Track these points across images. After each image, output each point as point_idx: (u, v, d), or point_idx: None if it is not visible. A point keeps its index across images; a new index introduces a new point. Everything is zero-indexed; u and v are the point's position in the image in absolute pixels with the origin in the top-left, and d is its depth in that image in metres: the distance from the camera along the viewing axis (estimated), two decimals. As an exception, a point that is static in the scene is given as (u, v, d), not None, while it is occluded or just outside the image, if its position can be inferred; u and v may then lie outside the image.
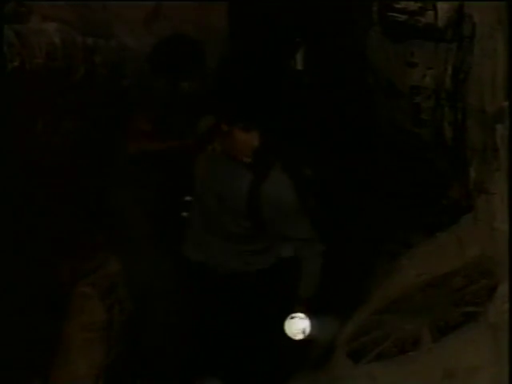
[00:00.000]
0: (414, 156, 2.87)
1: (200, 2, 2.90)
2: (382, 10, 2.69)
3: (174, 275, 2.54)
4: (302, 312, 2.25)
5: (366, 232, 2.92)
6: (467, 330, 2.01)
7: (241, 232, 2.24)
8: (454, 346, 1.93)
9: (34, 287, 2.01)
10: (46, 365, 2.11)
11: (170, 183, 2.50)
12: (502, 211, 2.18)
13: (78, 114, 2.29)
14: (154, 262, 2.59)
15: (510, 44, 2.04)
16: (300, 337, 2.19)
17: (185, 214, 2.47)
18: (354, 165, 3.15)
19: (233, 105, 2.12)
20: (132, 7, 2.64)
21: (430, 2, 2.52)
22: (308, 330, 2.19)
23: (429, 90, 2.70)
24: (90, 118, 2.37)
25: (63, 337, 2.19)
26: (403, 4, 2.53)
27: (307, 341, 2.27)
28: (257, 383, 2.35)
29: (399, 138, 2.94)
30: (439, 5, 2.48)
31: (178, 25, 2.78)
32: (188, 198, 2.47)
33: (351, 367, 2.12)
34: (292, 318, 2.20)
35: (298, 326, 2.20)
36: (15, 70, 1.92)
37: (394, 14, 2.59)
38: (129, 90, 2.61)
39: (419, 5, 2.49)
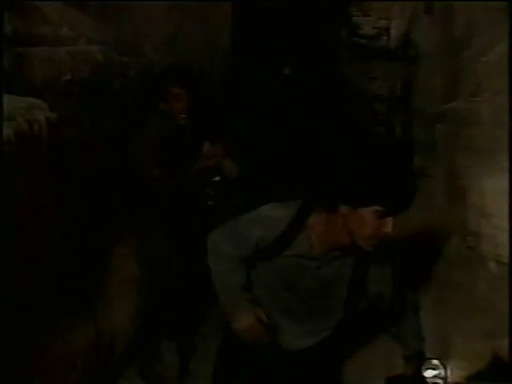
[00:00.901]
0: (372, 148, 3.11)
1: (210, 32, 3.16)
2: (349, 34, 3.12)
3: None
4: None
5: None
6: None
7: (326, 322, 1.92)
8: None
9: (83, 249, 2.23)
10: (94, 309, 2.34)
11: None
12: (439, 190, 2.51)
13: (114, 118, 2.54)
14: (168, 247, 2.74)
15: (510, 48, 1.89)
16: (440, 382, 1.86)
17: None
18: (327, 154, 3.44)
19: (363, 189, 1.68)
20: (157, 30, 2.91)
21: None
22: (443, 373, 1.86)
23: (384, 98, 3.08)
24: (123, 121, 2.61)
25: (106, 287, 2.42)
26: (365, 30, 2.95)
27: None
28: None
29: (362, 134, 3.26)
30: (391, 31, 2.89)
31: (192, 44, 3.05)
32: (217, 178, 2.53)
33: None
34: (427, 368, 1.86)
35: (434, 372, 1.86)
36: (67, 82, 2.20)
37: (358, 39, 3.00)
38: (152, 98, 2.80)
39: (376, 31, 2.90)
